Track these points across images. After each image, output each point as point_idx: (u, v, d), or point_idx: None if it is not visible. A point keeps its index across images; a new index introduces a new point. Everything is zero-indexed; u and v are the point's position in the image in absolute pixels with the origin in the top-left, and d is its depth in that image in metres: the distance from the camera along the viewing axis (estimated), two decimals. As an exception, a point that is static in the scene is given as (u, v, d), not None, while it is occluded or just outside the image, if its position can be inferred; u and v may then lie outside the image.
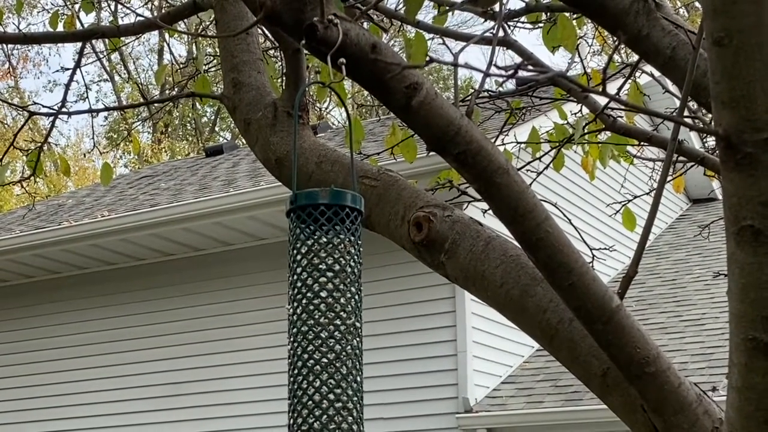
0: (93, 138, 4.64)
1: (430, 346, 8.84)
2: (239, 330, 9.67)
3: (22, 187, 4.75)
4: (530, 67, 1.38)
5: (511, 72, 1.31)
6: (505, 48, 3.08)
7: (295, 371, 1.81)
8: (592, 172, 4.39)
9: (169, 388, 9.92)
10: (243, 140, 3.04)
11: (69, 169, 4.70)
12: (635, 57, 2.68)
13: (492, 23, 3.22)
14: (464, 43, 2.22)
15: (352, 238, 1.86)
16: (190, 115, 27.52)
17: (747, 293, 1.47)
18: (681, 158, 3.67)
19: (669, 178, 4.57)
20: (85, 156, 24.61)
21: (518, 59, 2.96)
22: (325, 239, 1.84)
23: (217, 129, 28.07)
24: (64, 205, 12.19)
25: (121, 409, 10.09)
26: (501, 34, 2.92)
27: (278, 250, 8.94)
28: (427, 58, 1.54)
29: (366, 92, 2.18)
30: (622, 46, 3.29)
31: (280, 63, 3.78)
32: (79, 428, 10.26)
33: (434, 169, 6.67)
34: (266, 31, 3.44)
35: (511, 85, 9.54)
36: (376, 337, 8.68)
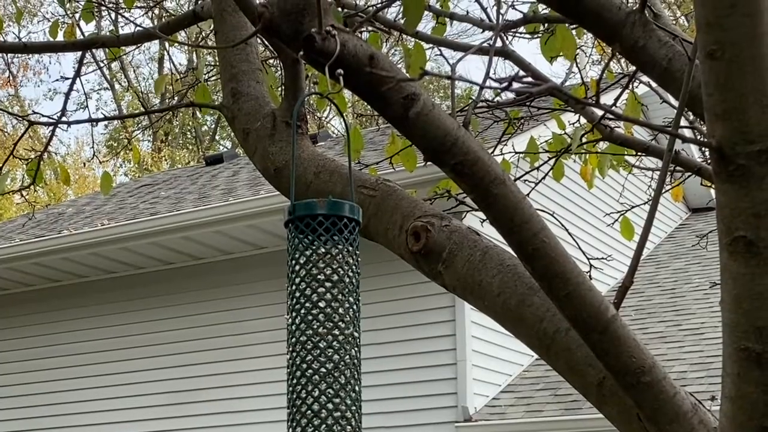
0: (93, 147, 4.66)
1: (430, 355, 8.84)
2: (239, 339, 9.67)
3: (22, 195, 4.76)
4: (526, 79, 1.39)
5: (505, 84, 1.32)
6: (503, 58, 3.10)
7: (294, 381, 1.82)
8: (590, 181, 4.40)
9: (168, 396, 9.92)
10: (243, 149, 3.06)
11: (69, 178, 4.72)
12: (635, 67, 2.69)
13: (490, 33, 3.24)
14: (463, 53, 2.23)
15: (350, 249, 1.87)
16: (190, 123, 27.55)
17: (740, 304, 1.49)
18: (678, 168, 3.69)
19: (667, 187, 4.59)
20: (84, 165, 24.63)
21: (518, 69, 2.97)
22: (323, 249, 1.85)
23: (217, 138, 28.10)
24: (64, 214, 12.20)
25: (120, 418, 10.08)
26: (499, 44, 2.94)
27: (278, 258, 8.95)
28: (421, 71, 1.55)
29: (366, 101, 2.20)
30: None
31: (279, 73, 3.79)
32: (78, 437, 10.26)
33: (434, 178, 6.69)
34: (266, 41, 3.46)
35: (510, 94, 9.55)
36: (376, 346, 8.68)
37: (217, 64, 3.34)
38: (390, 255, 2.56)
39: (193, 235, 9.59)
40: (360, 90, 2.00)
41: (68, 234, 10.11)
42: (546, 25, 3.25)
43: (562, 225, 3.51)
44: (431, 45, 3.40)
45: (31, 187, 4.35)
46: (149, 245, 9.84)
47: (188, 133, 28.51)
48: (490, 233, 2.41)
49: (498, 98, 3.93)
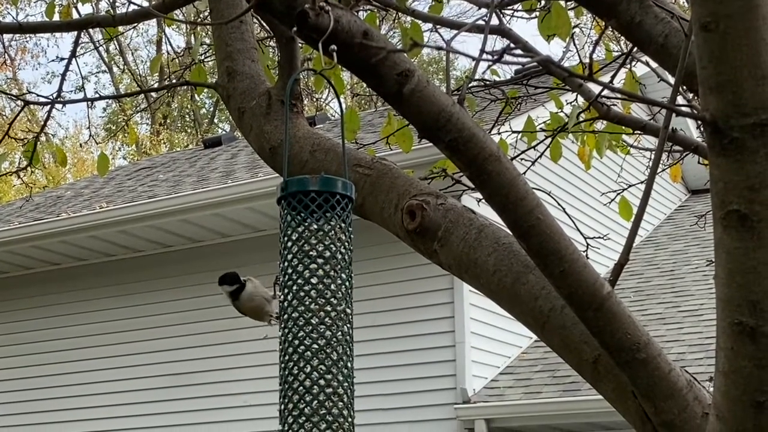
0: (89, 128, 4.65)
1: (429, 337, 8.85)
2: (238, 321, 9.65)
3: (19, 177, 4.75)
4: (518, 52, 1.38)
5: (497, 56, 1.31)
6: (500, 36, 3.07)
7: (287, 357, 1.81)
8: (588, 162, 4.38)
9: (167, 379, 9.93)
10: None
11: (65, 160, 4.70)
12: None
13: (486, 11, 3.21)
14: (463, 33, 2.22)
15: (343, 225, 1.86)
16: (188, 106, 27.51)
17: (733, 278, 1.48)
18: (676, 147, 3.68)
19: (665, 166, 4.57)
20: (82, 146, 24.61)
21: (508, 42, 2.95)
22: (315, 226, 1.85)
23: (215, 120, 28.06)
24: (62, 197, 12.19)
25: (120, 401, 10.10)
26: (495, 22, 2.92)
27: (277, 241, 8.92)
28: (412, 41, 1.54)
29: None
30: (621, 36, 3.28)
31: (275, 54, 3.77)
32: (80, 419, 10.27)
33: (431, 160, 6.66)
34: (261, 20, 3.45)
35: (509, 74, 9.51)
36: (374, 328, 8.69)
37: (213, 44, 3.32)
38: (389, 237, 2.55)
39: (191, 217, 9.58)
40: (354, 66, 1.99)
41: (67, 217, 10.10)
42: (543, 2, 3.23)
43: (559, 204, 3.50)
44: (429, 28, 3.38)
45: (28, 168, 4.33)
46: (148, 228, 9.84)
47: (187, 116, 28.47)
48: (487, 214, 2.40)
49: (495, 77, 3.91)
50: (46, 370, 10.61)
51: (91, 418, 10.21)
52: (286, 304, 1.83)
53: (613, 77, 3.21)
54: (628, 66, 3.35)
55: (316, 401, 1.77)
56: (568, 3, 3.25)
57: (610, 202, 4.54)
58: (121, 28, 4.40)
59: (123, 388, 10.11)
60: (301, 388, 1.79)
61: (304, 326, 1.80)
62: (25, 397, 10.65)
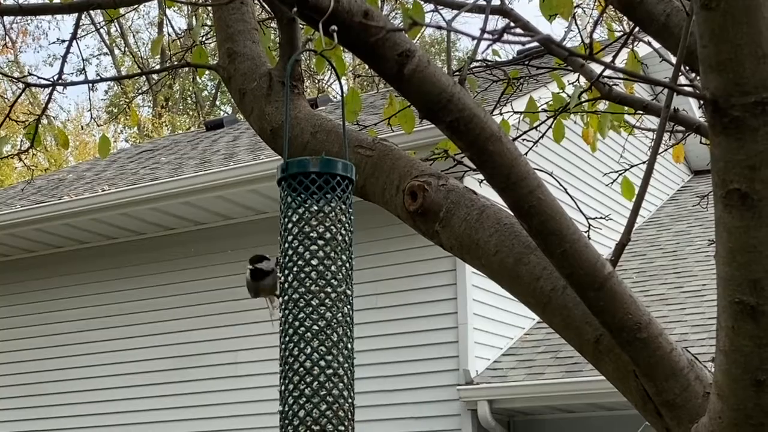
0: (90, 110, 4.64)
1: (431, 318, 8.86)
2: (240, 304, 9.69)
3: (21, 159, 4.74)
4: (518, 31, 1.38)
5: (498, 35, 1.31)
6: (501, 16, 3.06)
7: (287, 338, 1.82)
8: (593, 144, 4.37)
9: (171, 361, 9.96)
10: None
11: (67, 142, 4.70)
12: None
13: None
14: (460, 11, 2.21)
15: (344, 206, 1.86)
16: (190, 89, 27.48)
17: (734, 257, 1.48)
18: (679, 127, 3.67)
19: (667, 146, 4.56)
20: (83, 128, 24.58)
21: (508, 21, 2.93)
22: (316, 207, 1.84)
23: (217, 103, 28.03)
24: (64, 180, 12.19)
25: (123, 383, 10.13)
26: (497, 2, 2.91)
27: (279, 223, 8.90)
28: (411, 20, 1.54)
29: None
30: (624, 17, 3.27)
31: (276, 35, 3.76)
32: (81, 402, 10.31)
33: (432, 141, 6.65)
34: (261, 1, 3.43)
35: (511, 55, 9.47)
36: (377, 310, 8.69)
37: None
38: (390, 219, 2.55)
39: (193, 200, 9.58)
40: (354, 47, 1.99)
41: (69, 200, 10.10)
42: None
43: (561, 185, 3.49)
44: (431, 9, 3.36)
45: (30, 150, 4.32)
46: (150, 211, 9.84)
47: (188, 98, 28.44)
48: (488, 195, 2.40)
49: (496, 57, 3.89)
50: (49, 353, 10.64)
51: (96, 401, 10.25)
52: (286, 285, 1.83)
53: (614, 57, 3.20)
54: (630, 46, 3.33)
55: (316, 382, 1.78)
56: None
57: (612, 183, 4.54)
58: (122, 10, 4.39)
59: (127, 370, 10.14)
60: (301, 369, 1.79)
61: (305, 307, 1.81)
62: (28, 380, 10.68)
